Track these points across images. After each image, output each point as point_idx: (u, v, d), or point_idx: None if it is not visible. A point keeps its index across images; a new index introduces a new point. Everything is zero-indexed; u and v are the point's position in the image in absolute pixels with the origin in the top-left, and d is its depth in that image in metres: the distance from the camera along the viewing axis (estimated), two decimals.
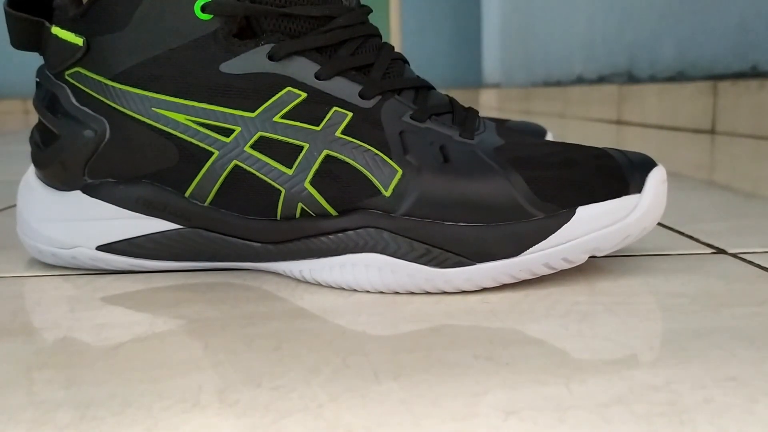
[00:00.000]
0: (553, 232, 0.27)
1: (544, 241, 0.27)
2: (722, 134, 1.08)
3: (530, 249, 0.27)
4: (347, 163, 0.28)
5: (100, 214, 0.31)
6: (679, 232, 0.38)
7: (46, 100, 0.31)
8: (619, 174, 0.28)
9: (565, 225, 0.27)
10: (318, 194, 0.28)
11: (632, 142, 0.99)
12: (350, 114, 0.28)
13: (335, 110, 0.28)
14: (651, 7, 1.41)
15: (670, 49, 1.30)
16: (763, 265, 0.31)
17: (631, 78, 1.45)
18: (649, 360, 0.20)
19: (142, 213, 0.30)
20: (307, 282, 0.29)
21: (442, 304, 0.26)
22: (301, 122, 0.28)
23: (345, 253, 0.28)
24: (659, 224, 0.40)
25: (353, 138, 0.28)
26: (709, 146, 0.91)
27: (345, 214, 0.28)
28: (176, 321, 0.25)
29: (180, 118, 0.29)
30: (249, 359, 0.21)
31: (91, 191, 0.31)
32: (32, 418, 0.18)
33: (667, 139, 1.03)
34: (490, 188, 0.27)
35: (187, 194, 0.30)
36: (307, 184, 0.28)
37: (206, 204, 0.30)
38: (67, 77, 0.30)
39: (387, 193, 0.27)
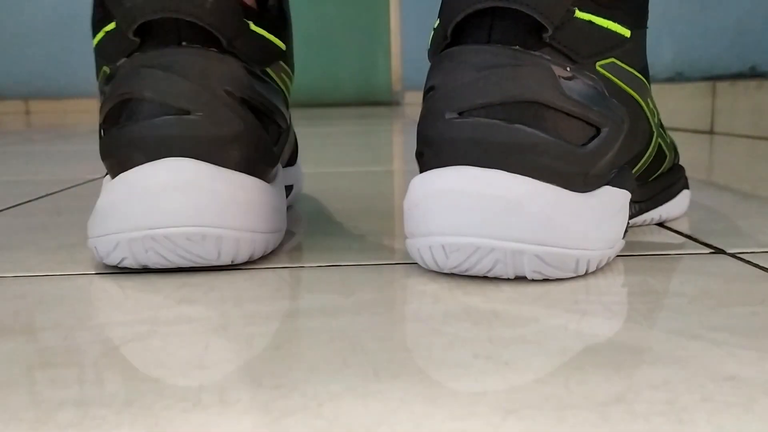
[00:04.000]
0: None
1: None
2: (721, 134, 1.08)
3: None
4: None
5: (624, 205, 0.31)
6: (677, 232, 0.38)
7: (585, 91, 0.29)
8: None
9: None
10: None
11: None
12: None
13: None
14: (650, 7, 1.41)
15: (668, 50, 1.30)
16: (761, 264, 0.31)
17: None
18: (648, 359, 0.20)
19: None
20: (303, 281, 0.30)
21: (442, 304, 0.26)
22: None
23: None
24: (658, 224, 0.40)
25: None
26: (707, 146, 0.91)
27: None
28: (177, 321, 0.25)
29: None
30: (249, 359, 0.21)
31: (615, 183, 0.30)
32: (34, 417, 0.18)
33: None
34: None
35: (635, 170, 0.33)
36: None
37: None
38: (598, 68, 0.29)
39: None
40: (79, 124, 2.00)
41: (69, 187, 0.62)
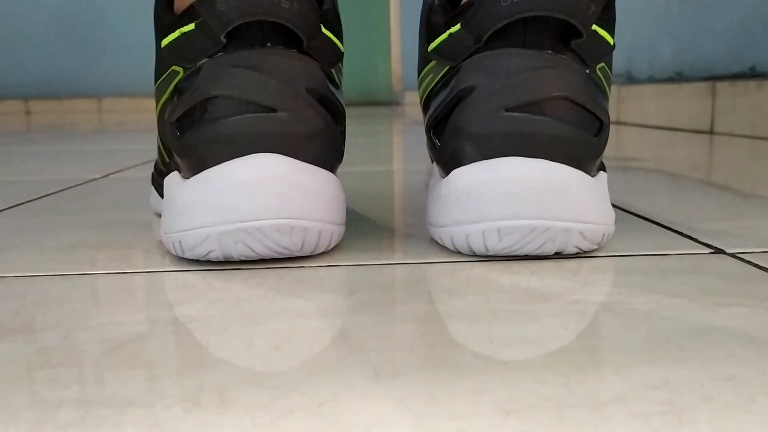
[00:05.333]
0: None
1: None
2: (721, 134, 1.08)
3: None
4: None
5: None
6: (677, 232, 0.38)
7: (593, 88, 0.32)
8: None
9: None
10: None
11: (631, 142, 0.99)
12: None
13: None
14: (650, 8, 1.41)
15: (668, 50, 1.30)
16: (761, 264, 0.31)
17: (630, 79, 1.46)
18: (648, 359, 0.20)
19: None
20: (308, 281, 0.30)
21: (442, 304, 0.26)
22: None
23: None
24: (658, 224, 0.40)
25: None
26: (707, 146, 0.91)
27: None
28: (177, 320, 0.25)
29: None
30: (249, 359, 0.21)
31: (602, 168, 0.35)
32: (34, 417, 0.18)
33: (666, 139, 1.04)
34: None
35: None
36: None
37: None
38: (597, 71, 0.33)
39: None
40: (79, 124, 2.00)
41: (69, 187, 0.62)
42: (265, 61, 0.31)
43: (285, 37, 0.32)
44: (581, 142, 0.31)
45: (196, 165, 0.31)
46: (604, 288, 0.28)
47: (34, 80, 3.33)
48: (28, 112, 3.23)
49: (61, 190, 0.60)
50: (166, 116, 0.33)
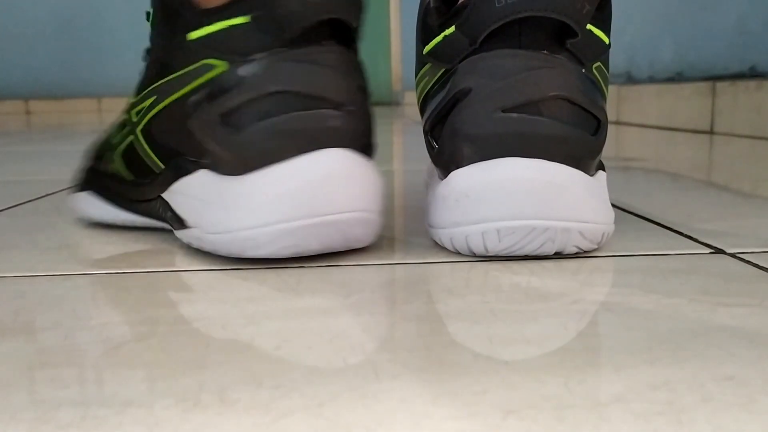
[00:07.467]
0: None
1: None
2: (720, 134, 1.08)
3: None
4: None
5: None
6: (677, 232, 0.38)
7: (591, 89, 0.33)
8: None
9: None
10: None
11: (631, 142, 0.99)
12: None
13: None
14: (650, 8, 1.41)
15: (668, 50, 1.30)
16: (761, 264, 0.31)
17: (630, 78, 1.46)
18: (648, 359, 0.20)
19: None
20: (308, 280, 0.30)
21: (442, 304, 0.26)
22: None
23: None
24: (658, 224, 0.40)
25: None
26: (707, 146, 0.91)
27: None
28: (177, 320, 0.25)
29: None
30: (249, 359, 0.21)
31: (601, 167, 0.35)
32: (34, 417, 0.18)
33: (666, 139, 1.04)
34: None
35: None
36: None
37: None
38: (593, 70, 0.34)
39: None
40: (79, 124, 2.00)
41: (69, 187, 0.62)
42: (326, 58, 0.32)
43: (339, 33, 0.33)
44: (579, 142, 0.31)
45: (259, 160, 0.31)
46: (604, 288, 0.28)
47: (34, 80, 3.33)
48: (28, 112, 3.23)
49: (61, 190, 0.60)
50: (193, 111, 0.32)
